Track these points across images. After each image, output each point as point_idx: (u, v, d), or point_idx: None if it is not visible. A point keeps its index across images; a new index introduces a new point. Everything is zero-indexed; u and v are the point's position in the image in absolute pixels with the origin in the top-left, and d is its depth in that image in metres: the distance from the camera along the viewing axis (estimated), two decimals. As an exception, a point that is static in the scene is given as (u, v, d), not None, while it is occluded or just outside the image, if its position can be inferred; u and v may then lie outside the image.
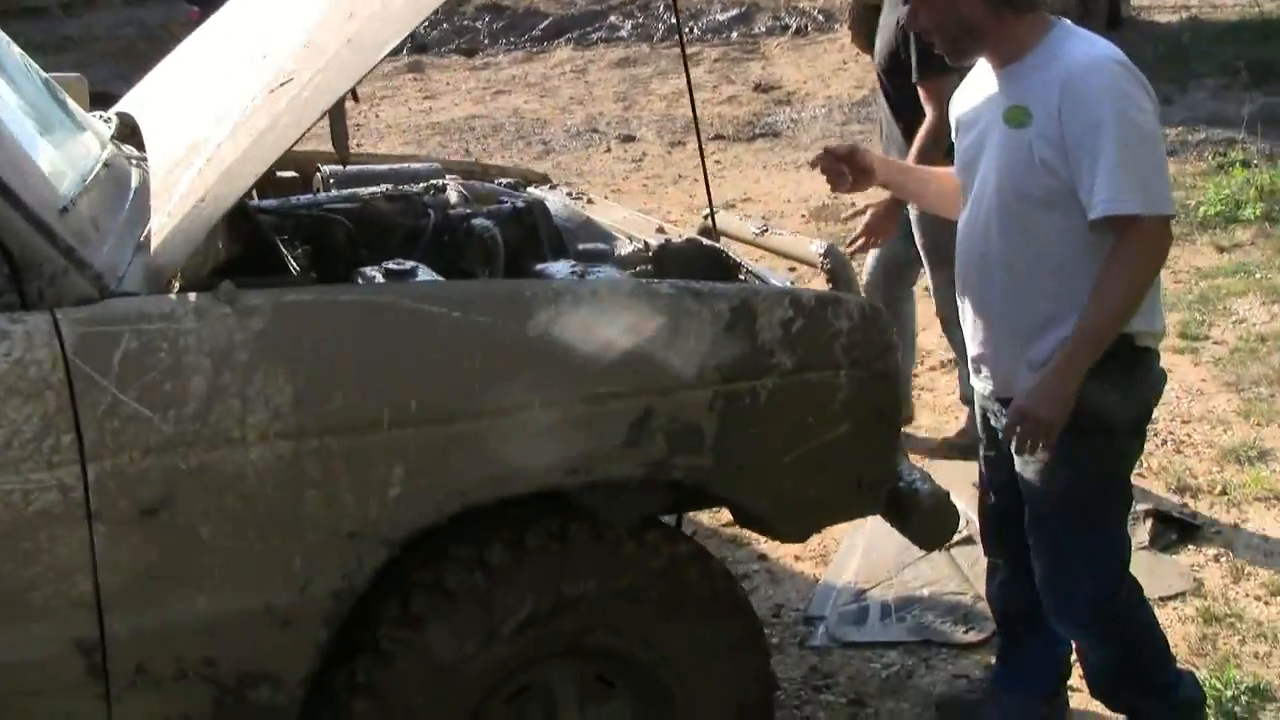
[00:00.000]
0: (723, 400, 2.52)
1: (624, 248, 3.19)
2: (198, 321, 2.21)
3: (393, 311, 2.34)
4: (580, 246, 3.20)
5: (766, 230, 3.47)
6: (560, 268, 2.84)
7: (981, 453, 3.18)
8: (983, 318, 2.93)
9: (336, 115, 3.10)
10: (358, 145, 10.44)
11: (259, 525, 2.28)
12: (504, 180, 3.95)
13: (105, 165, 2.68)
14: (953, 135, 3.08)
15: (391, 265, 2.64)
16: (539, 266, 2.92)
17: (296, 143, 2.33)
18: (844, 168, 3.10)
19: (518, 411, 2.38)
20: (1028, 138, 2.72)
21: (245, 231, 2.73)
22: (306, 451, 2.27)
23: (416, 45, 15.10)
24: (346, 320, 2.32)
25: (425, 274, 2.62)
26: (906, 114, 4.59)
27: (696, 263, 3.07)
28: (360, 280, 2.62)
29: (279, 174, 3.91)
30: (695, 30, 15.13)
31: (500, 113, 12.39)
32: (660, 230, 3.29)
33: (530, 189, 3.79)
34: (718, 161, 9.84)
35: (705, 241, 3.17)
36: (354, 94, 2.58)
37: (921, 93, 4.42)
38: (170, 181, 2.48)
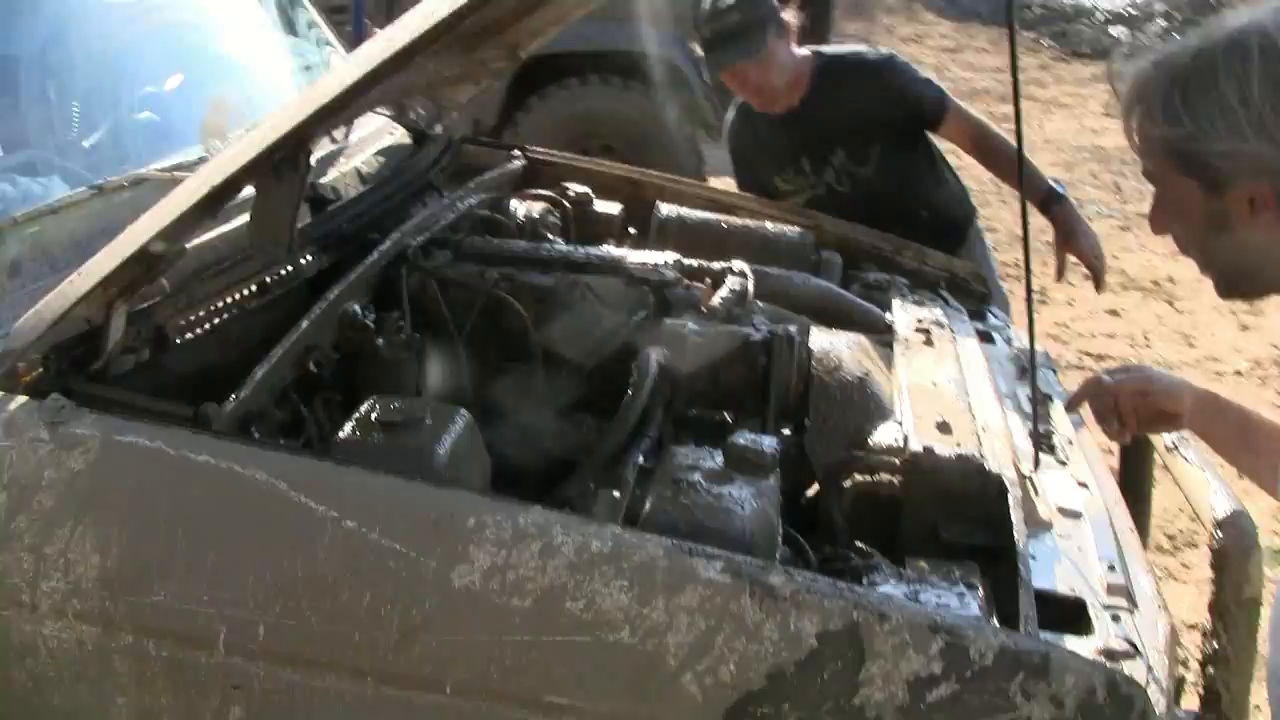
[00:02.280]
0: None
1: (883, 433, 2.14)
2: (4, 435, 1.58)
3: (266, 497, 1.56)
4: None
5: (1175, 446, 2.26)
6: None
7: None
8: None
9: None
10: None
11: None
12: (882, 279, 2.94)
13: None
14: None
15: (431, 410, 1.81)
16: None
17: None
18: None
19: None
20: None
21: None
22: (116, 648, 1.59)
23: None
24: (197, 488, 1.57)
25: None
26: None
27: (956, 494, 1.96)
28: (349, 428, 1.79)
29: (596, 206, 3.18)
30: None
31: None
32: (943, 426, 2.10)
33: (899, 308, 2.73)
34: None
35: (983, 463, 1.99)
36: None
37: None
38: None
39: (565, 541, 1.54)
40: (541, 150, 3.55)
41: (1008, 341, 2.86)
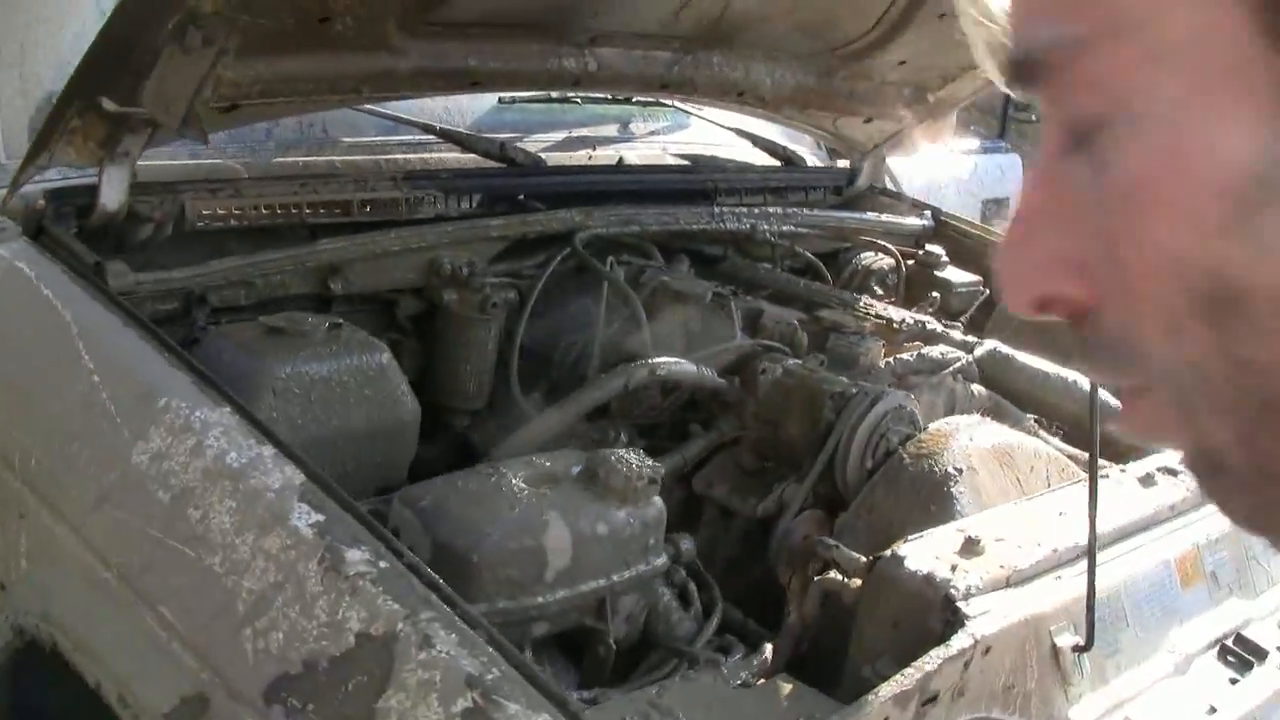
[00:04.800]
0: None
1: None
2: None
3: (61, 335, 1.59)
4: None
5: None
6: None
7: None
8: None
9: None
10: None
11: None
12: None
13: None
14: None
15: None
16: None
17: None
18: None
19: None
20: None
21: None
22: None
23: None
24: (29, 321, 1.66)
25: None
26: None
27: (904, 617, 1.47)
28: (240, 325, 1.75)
29: (948, 273, 2.75)
30: None
31: None
32: (972, 543, 1.54)
33: None
34: None
35: (948, 592, 1.45)
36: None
37: None
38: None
39: (213, 446, 1.39)
40: (956, 216, 3.16)
41: None
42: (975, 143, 4.94)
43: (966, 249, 2.99)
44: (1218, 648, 1.73)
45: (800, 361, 2.02)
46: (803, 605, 1.60)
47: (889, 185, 3.31)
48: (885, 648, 1.48)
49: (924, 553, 1.53)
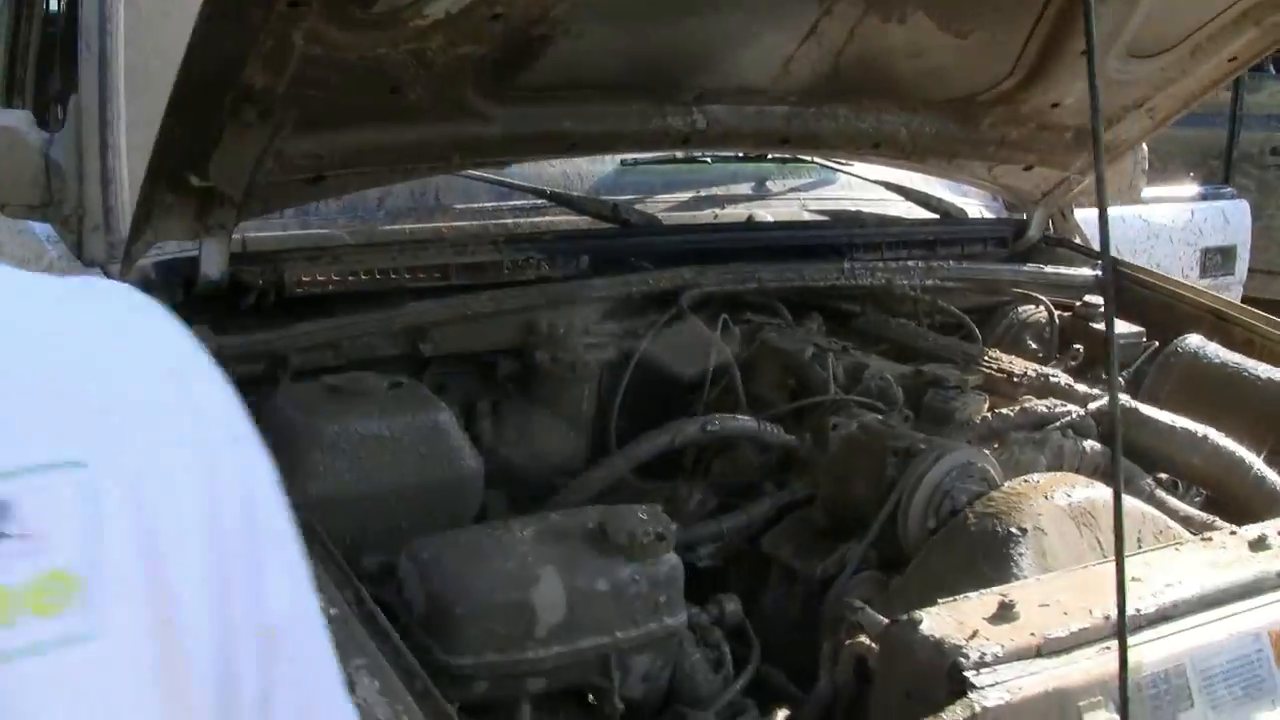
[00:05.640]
0: None
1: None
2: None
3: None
4: None
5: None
6: None
7: None
8: None
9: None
10: None
11: None
12: None
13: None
14: None
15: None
16: None
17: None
18: None
19: None
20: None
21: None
22: None
23: None
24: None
25: None
26: None
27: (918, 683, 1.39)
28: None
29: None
30: None
31: None
32: (1006, 608, 1.43)
33: None
34: None
35: (956, 661, 1.35)
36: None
37: None
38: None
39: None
40: (1136, 267, 2.95)
41: None
42: (1194, 189, 4.62)
43: (1142, 300, 2.79)
44: (1316, 733, 1.51)
45: (881, 418, 1.93)
46: (834, 670, 1.52)
47: (1076, 239, 3.13)
48: (899, 718, 1.38)
49: (946, 618, 1.43)
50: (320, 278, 2.09)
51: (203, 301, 2.00)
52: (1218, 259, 4.43)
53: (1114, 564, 1.61)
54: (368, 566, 1.57)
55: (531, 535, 1.51)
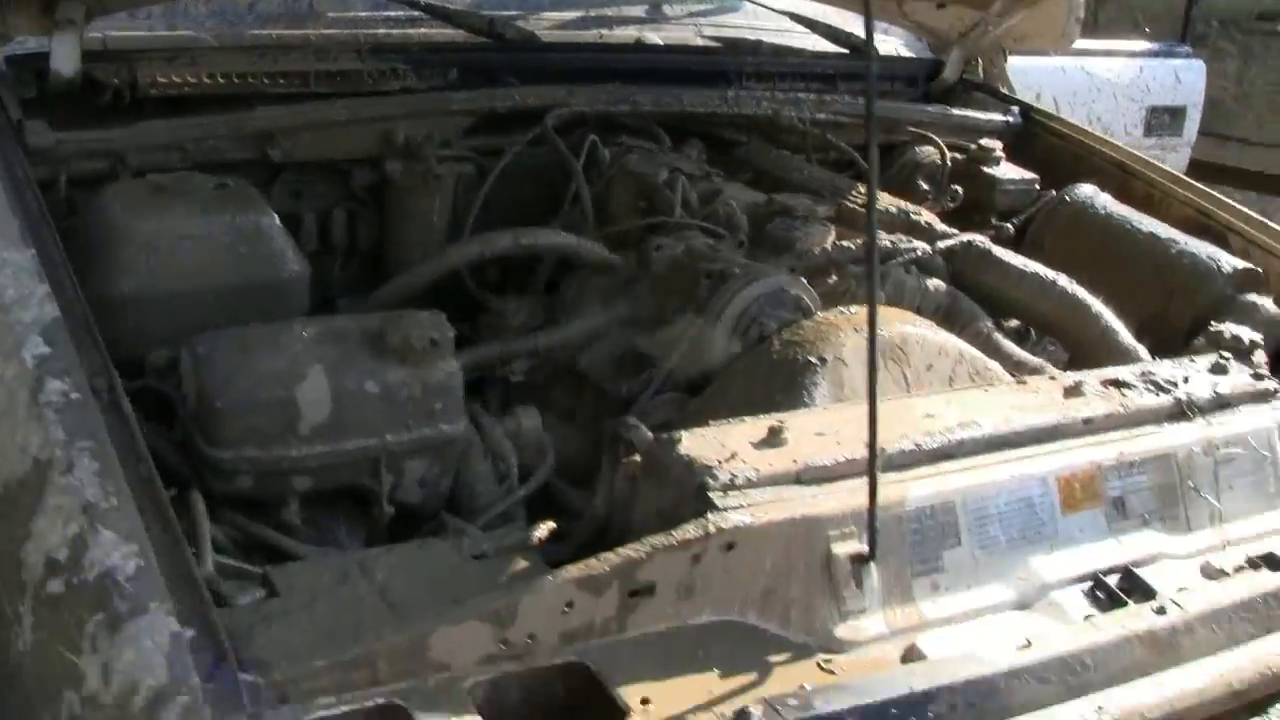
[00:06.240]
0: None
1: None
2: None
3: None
4: None
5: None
6: None
7: None
8: None
9: None
10: None
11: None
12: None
13: None
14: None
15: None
16: None
17: None
18: None
19: None
20: None
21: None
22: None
23: None
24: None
25: None
26: None
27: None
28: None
29: (999, 170, 2.55)
30: None
31: None
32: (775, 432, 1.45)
33: None
34: None
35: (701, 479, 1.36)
36: None
37: None
38: None
39: (-3, 281, 1.45)
40: (1053, 116, 2.89)
41: None
42: (1145, 45, 4.47)
43: (1050, 148, 2.74)
44: (1090, 581, 1.52)
45: (712, 241, 1.91)
46: (610, 486, 1.53)
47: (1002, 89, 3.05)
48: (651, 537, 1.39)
49: (710, 439, 1.43)
50: (175, 79, 2.05)
51: (59, 99, 1.97)
52: (1165, 119, 4.32)
53: (918, 400, 1.62)
54: (155, 361, 1.57)
55: (311, 336, 1.50)
